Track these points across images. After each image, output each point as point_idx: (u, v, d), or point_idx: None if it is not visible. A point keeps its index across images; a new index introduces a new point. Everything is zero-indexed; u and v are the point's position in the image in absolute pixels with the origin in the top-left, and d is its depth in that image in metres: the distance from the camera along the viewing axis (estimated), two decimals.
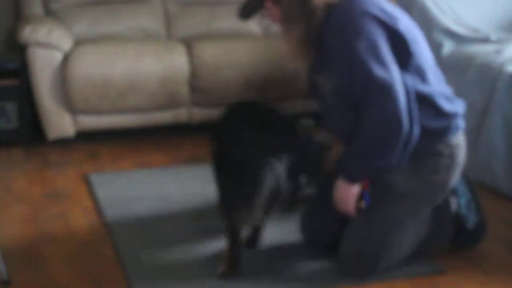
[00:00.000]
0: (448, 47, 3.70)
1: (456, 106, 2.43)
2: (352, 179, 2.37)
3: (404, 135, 2.25)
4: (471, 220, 2.61)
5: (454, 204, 2.59)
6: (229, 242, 2.47)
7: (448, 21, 3.81)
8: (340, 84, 2.32)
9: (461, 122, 2.44)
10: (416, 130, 2.28)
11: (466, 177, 2.63)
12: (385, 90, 2.22)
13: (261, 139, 2.37)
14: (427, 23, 3.79)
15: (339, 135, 2.48)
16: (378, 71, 2.22)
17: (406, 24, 2.37)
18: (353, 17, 2.28)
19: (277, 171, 2.35)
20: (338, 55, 2.30)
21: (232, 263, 2.45)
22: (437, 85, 2.40)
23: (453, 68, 3.49)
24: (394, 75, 2.24)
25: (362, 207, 2.41)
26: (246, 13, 2.49)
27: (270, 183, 2.35)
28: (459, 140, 2.45)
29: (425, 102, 2.32)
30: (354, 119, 2.31)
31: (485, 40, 3.68)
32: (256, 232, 2.65)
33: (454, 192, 2.60)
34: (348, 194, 2.38)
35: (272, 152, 2.35)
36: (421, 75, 2.35)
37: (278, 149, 2.37)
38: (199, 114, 4.07)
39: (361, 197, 2.41)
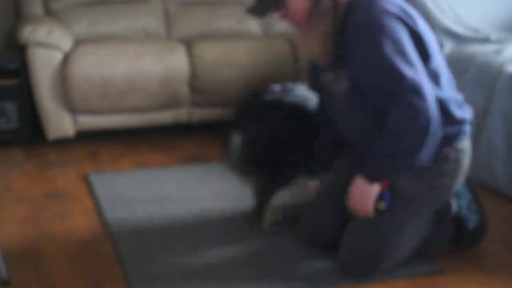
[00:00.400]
0: (448, 47, 3.70)
1: (465, 112, 2.44)
2: (375, 178, 2.35)
3: (431, 134, 2.25)
4: (471, 220, 2.61)
5: (454, 205, 2.59)
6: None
7: (448, 21, 3.81)
8: (360, 83, 2.30)
9: (468, 128, 2.45)
10: (439, 130, 2.29)
11: (466, 178, 2.63)
12: (415, 89, 2.21)
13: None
14: (427, 23, 3.79)
15: (351, 135, 2.47)
16: (407, 71, 2.21)
17: (424, 26, 2.36)
18: (376, 16, 2.25)
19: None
20: (362, 54, 2.27)
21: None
22: (449, 90, 2.40)
23: (453, 68, 3.47)
24: (422, 74, 2.24)
25: (382, 208, 2.39)
26: (261, 9, 2.38)
27: None
28: (465, 145, 2.46)
29: (438, 107, 2.31)
30: (373, 119, 2.32)
31: (485, 40, 3.68)
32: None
33: (455, 193, 2.60)
34: (368, 193, 2.36)
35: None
36: (435, 79, 2.34)
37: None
38: (199, 114, 4.07)
39: (380, 197, 2.38)
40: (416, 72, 2.23)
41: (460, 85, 3.34)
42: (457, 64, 3.51)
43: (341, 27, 2.30)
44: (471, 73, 3.40)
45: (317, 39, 2.32)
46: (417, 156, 2.27)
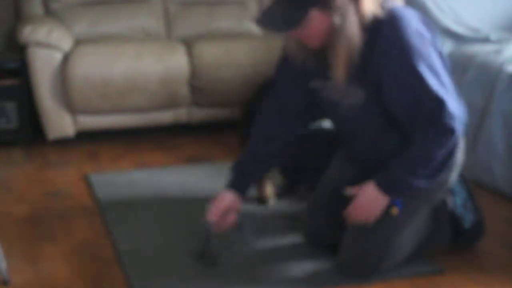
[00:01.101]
0: (448, 47, 3.69)
1: (461, 110, 2.43)
2: (392, 191, 2.29)
3: (453, 158, 2.28)
4: (468, 219, 2.61)
5: (450, 203, 2.59)
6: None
7: (448, 21, 3.81)
8: (389, 101, 2.25)
9: (463, 126, 2.44)
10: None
11: (461, 176, 2.63)
12: (453, 115, 2.20)
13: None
14: None
15: (356, 141, 2.45)
16: (444, 95, 2.19)
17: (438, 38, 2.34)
18: (408, 37, 2.17)
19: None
20: (394, 74, 2.20)
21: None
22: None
23: (453, 68, 3.48)
24: (453, 96, 2.24)
25: (395, 214, 2.35)
26: (281, 25, 2.13)
27: None
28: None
29: None
30: (389, 130, 2.31)
31: (485, 40, 3.68)
32: None
33: (450, 191, 2.60)
34: (379, 204, 2.32)
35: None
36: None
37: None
38: (199, 114, 4.07)
39: (392, 202, 2.34)
40: (449, 95, 2.22)
41: (460, 85, 3.34)
42: (457, 64, 3.51)
43: (366, 44, 2.18)
44: (471, 73, 3.40)
45: (342, 58, 2.18)
46: (438, 177, 2.28)
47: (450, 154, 2.26)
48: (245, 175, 2.51)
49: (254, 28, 4.38)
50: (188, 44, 4.05)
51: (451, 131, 2.22)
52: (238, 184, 2.50)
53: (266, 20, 2.15)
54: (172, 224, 2.86)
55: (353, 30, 2.14)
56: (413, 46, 2.18)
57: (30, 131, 3.93)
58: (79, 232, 2.83)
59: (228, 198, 2.48)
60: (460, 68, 3.46)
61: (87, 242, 2.74)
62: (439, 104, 2.19)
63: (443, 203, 2.56)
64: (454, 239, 2.62)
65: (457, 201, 2.61)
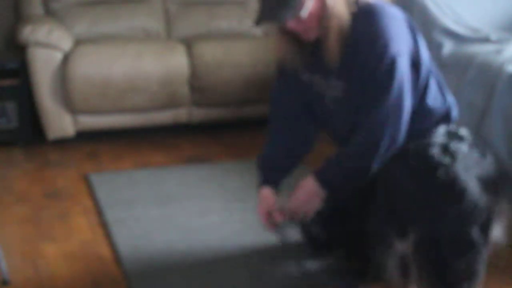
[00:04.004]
0: (448, 47, 3.69)
1: (454, 112, 2.42)
2: (327, 184, 2.28)
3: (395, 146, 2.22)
4: None
5: None
6: None
7: (448, 21, 3.81)
8: (356, 91, 2.25)
9: (456, 114, 2.43)
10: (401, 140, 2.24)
11: None
12: (394, 119, 2.18)
13: None
14: (427, 23, 3.79)
15: (340, 137, 2.46)
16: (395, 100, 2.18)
17: (423, 46, 2.31)
18: (383, 34, 2.17)
19: None
20: (359, 67, 2.21)
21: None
22: (437, 99, 2.38)
23: (453, 68, 3.49)
24: (406, 111, 2.20)
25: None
26: (276, 15, 2.15)
27: None
28: None
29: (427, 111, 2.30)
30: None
31: (485, 40, 3.68)
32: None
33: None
34: (316, 196, 2.30)
35: None
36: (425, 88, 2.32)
37: None
38: (199, 114, 4.07)
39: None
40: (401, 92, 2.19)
41: (460, 85, 3.34)
42: (457, 64, 3.51)
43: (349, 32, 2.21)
44: (471, 73, 3.40)
45: (333, 39, 2.19)
46: (370, 171, 2.22)
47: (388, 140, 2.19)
48: (275, 169, 2.49)
49: (254, 28, 4.38)
50: (188, 44, 4.06)
51: (381, 128, 2.17)
52: (271, 179, 2.48)
53: (265, 15, 2.17)
54: (172, 224, 2.86)
55: (342, 10, 2.18)
56: (388, 33, 2.17)
57: (30, 131, 3.93)
58: (79, 232, 2.83)
59: (269, 195, 2.44)
60: (460, 68, 3.46)
61: (87, 242, 2.74)
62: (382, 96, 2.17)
63: None
64: None
65: None
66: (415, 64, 2.25)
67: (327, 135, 2.51)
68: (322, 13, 2.19)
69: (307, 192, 2.32)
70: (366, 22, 2.20)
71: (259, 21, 2.18)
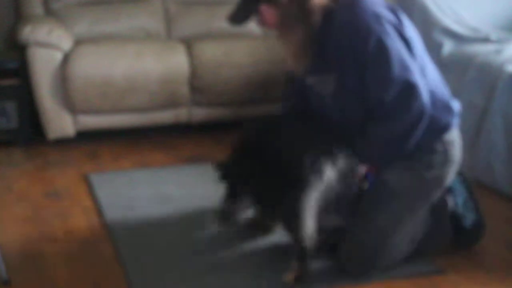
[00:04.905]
0: (448, 47, 3.70)
1: (453, 104, 2.47)
2: (366, 161, 2.43)
3: (424, 122, 2.35)
4: (469, 219, 2.62)
5: (451, 202, 2.60)
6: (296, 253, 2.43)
7: (448, 21, 3.81)
8: (348, 84, 2.35)
9: (456, 120, 2.48)
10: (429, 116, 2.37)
11: (462, 175, 2.64)
12: (410, 90, 2.31)
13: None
14: (427, 23, 3.79)
15: (343, 130, 2.49)
16: (400, 72, 2.30)
17: (410, 28, 2.41)
18: (364, 19, 2.30)
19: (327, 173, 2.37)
20: (350, 57, 2.33)
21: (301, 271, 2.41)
22: (434, 84, 2.43)
23: (453, 68, 3.49)
24: (416, 74, 2.31)
25: (365, 187, 2.46)
26: (238, 18, 2.45)
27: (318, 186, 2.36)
28: (454, 136, 2.47)
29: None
30: (362, 114, 2.38)
31: (485, 40, 3.68)
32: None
33: (451, 191, 2.60)
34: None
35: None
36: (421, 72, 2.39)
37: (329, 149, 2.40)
38: (199, 114, 4.07)
39: (365, 177, 2.45)
40: (409, 73, 2.31)
41: (460, 85, 3.34)
42: (457, 64, 3.51)
43: (320, 34, 2.35)
44: (471, 73, 3.40)
45: (291, 48, 2.40)
46: (407, 144, 2.37)
47: (418, 119, 2.35)
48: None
49: (254, 28, 4.37)
50: (188, 44, 4.06)
51: (407, 105, 2.32)
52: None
53: (232, 17, 2.46)
54: (172, 224, 2.86)
55: (294, 21, 2.36)
56: (367, 25, 2.29)
57: (30, 131, 3.93)
58: (79, 232, 2.83)
59: None
60: (460, 68, 3.46)
61: (87, 242, 2.74)
62: (391, 82, 2.29)
63: (443, 202, 2.56)
64: (454, 239, 2.62)
65: (458, 201, 2.62)
66: (405, 41, 2.35)
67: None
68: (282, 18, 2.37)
69: None
70: (345, 13, 2.33)
71: (228, 20, 2.46)
